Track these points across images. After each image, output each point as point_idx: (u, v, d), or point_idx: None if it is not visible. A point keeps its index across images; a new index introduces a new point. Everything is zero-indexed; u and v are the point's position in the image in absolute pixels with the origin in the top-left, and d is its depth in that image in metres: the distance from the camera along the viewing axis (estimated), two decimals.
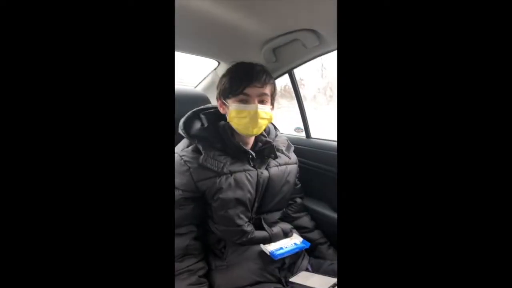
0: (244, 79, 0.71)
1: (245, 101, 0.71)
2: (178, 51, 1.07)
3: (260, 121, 0.71)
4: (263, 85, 0.72)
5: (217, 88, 0.77)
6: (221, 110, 0.78)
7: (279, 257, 0.70)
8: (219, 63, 1.28)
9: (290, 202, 0.93)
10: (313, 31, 0.82)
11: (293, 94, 1.19)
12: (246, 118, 0.71)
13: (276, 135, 0.87)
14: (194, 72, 1.51)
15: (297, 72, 1.13)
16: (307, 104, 1.21)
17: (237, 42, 0.96)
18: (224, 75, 0.76)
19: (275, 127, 0.90)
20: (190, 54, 1.14)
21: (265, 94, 0.73)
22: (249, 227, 0.75)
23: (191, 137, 0.74)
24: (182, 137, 0.78)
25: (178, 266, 0.68)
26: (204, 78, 1.43)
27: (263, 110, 0.72)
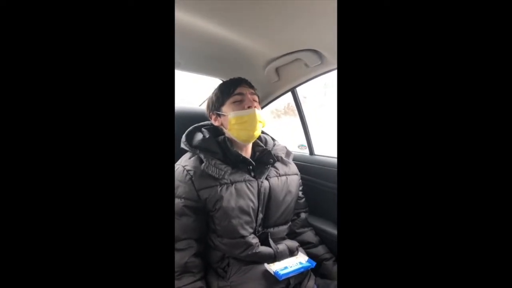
0: (233, 82, 0.80)
1: (241, 102, 0.76)
2: (183, 70, 1.10)
3: (258, 124, 0.76)
4: (251, 86, 0.81)
5: (208, 105, 0.84)
6: (216, 123, 0.82)
7: (284, 277, 0.68)
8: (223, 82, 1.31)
9: (294, 217, 0.91)
10: (314, 51, 0.84)
11: (296, 112, 1.21)
12: (246, 123, 0.75)
13: (274, 144, 0.88)
14: (199, 91, 1.55)
15: (300, 89, 1.15)
16: (310, 121, 1.22)
17: (240, 62, 0.99)
18: (212, 92, 0.84)
19: (272, 138, 0.92)
20: (195, 73, 1.17)
21: (254, 93, 0.80)
22: (254, 240, 0.74)
23: (193, 147, 0.77)
24: (185, 152, 0.80)
25: (175, 283, 0.66)
26: (208, 97, 1.46)
27: (260, 113, 0.78)
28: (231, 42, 0.82)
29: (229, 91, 0.78)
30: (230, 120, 0.76)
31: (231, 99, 0.77)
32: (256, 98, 0.80)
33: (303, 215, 0.94)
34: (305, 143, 1.23)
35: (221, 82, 1.30)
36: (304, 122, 1.19)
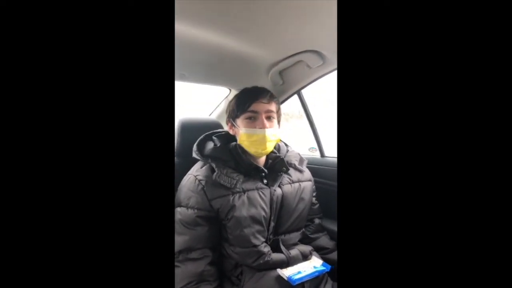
0: (250, 96, 0.76)
1: (253, 119, 0.75)
2: (189, 81, 1.12)
3: (268, 144, 0.74)
4: (269, 101, 0.76)
5: (226, 112, 0.82)
6: (231, 132, 0.81)
7: (297, 282, 0.67)
8: (230, 90, 1.33)
9: (308, 223, 0.90)
10: (316, 52, 0.84)
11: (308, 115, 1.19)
12: (256, 142, 0.74)
13: (287, 151, 0.86)
14: (208, 101, 1.58)
15: (307, 91, 1.14)
16: (319, 123, 1.20)
17: (245, 69, 1.00)
18: (231, 99, 0.81)
19: (285, 144, 0.90)
20: (201, 84, 1.19)
21: (271, 110, 0.77)
22: (266, 248, 0.73)
23: (205, 157, 0.77)
24: (196, 161, 0.80)
25: None
26: (217, 106, 1.48)
27: (271, 133, 0.75)
28: (233, 50, 0.83)
29: (243, 107, 0.75)
30: (241, 135, 0.76)
31: (245, 115, 0.75)
32: (273, 114, 0.77)
33: (317, 221, 0.92)
34: (315, 145, 1.22)
35: (228, 90, 1.33)
36: (312, 124, 1.18)
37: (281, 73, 1.00)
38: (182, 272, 0.68)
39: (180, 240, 0.70)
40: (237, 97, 0.79)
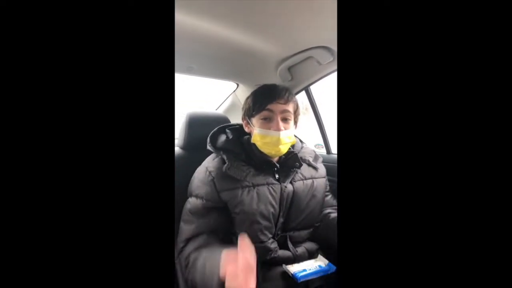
0: (267, 96, 0.73)
1: (268, 119, 0.73)
2: (197, 75, 1.11)
3: (281, 146, 0.73)
4: (286, 102, 0.74)
5: (242, 108, 0.80)
6: (246, 129, 0.80)
7: (302, 280, 0.67)
8: (237, 85, 1.32)
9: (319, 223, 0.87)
10: (326, 48, 0.82)
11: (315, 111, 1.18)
12: (270, 143, 0.72)
13: (302, 147, 0.85)
14: (215, 95, 1.57)
15: (315, 87, 1.13)
16: (327, 119, 1.19)
17: (253, 64, 0.99)
18: (248, 96, 0.79)
19: (300, 140, 0.88)
20: (209, 78, 1.18)
21: (288, 111, 0.74)
22: (273, 245, 0.72)
23: (217, 149, 0.76)
24: (209, 154, 0.80)
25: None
26: (225, 100, 1.47)
27: (286, 135, 0.73)
28: (242, 44, 0.82)
29: (260, 106, 0.73)
30: (255, 135, 0.74)
31: (260, 115, 0.74)
32: (290, 115, 0.75)
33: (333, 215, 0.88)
34: (321, 142, 1.21)
35: (236, 85, 1.32)
36: (319, 120, 1.17)
37: (290, 69, 0.98)
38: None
39: (187, 229, 0.71)
40: (254, 94, 0.77)
